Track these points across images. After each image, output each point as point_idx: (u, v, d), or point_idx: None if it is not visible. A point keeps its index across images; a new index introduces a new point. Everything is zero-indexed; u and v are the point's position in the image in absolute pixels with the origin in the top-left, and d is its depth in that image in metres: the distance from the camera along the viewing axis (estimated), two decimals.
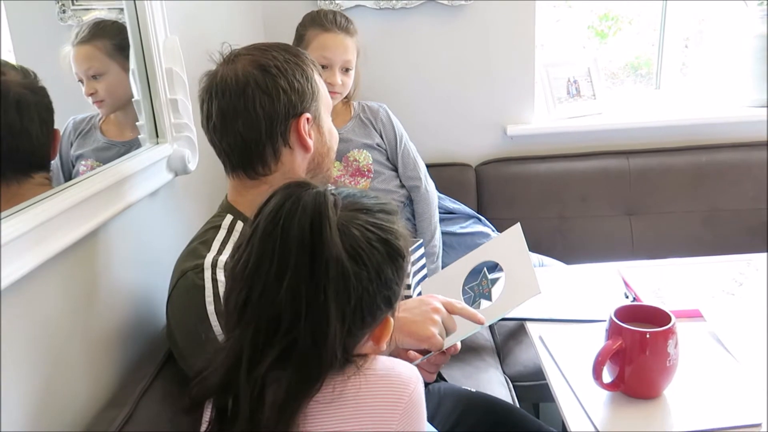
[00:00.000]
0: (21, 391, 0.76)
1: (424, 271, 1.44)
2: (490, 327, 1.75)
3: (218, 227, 0.98)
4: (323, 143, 1.05)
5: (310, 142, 1.01)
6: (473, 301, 1.13)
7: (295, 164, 1.01)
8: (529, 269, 1.05)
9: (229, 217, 0.99)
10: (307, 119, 0.99)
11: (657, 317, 0.93)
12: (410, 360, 1.06)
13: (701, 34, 2.42)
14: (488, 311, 1.07)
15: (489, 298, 1.11)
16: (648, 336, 0.89)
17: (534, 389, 1.58)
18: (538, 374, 1.52)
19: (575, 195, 2.05)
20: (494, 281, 1.13)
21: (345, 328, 0.65)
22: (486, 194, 2.08)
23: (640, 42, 2.48)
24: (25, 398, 0.77)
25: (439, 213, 1.84)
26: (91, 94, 1.08)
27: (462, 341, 1.06)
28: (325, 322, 0.64)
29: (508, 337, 1.73)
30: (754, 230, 2.01)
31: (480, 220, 1.91)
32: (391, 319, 0.71)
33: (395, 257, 0.68)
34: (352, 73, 1.65)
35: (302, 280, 0.63)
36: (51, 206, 0.83)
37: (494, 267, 1.15)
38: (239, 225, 0.98)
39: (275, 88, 0.96)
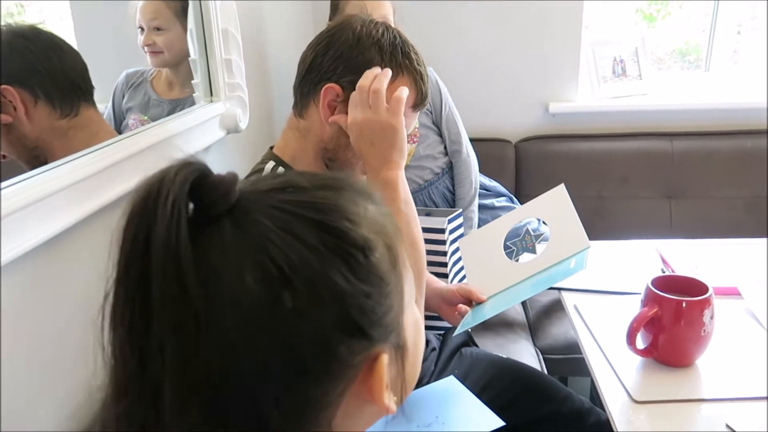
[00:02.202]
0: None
1: None
2: (523, 302, 1.77)
3: (260, 171, 1.01)
4: (338, 142, 0.98)
5: (327, 126, 0.96)
6: (515, 255, 1.15)
7: (313, 128, 0.99)
8: (577, 223, 1.07)
9: (270, 164, 1.02)
10: (337, 93, 0.94)
11: (693, 288, 0.94)
12: (461, 313, 1.10)
13: (754, 20, 2.35)
14: (533, 263, 1.09)
15: (533, 251, 1.14)
16: (684, 305, 0.90)
17: (564, 362, 1.60)
18: (569, 348, 1.55)
19: (615, 175, 2.04)
20: (538, 236, 1.15)
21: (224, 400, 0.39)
22: (524, 171, 2.08)
23: (690, 27, 2.43)
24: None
25: None
26: (148, 45, 1.13)
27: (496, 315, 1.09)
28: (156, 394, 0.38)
29: (540, 311, 1.75)
30: None
31: (512, 200, 1.92)
32: (385, 357, 0.44)
33: (344, 250, 0.41)
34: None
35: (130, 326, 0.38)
36: (109, 155, 0.86)
37: (537, 225, 1.16)
38: (280, 170, 1.02)
39: (340, 58, 0.95)
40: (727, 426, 0.81)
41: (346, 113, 0.93)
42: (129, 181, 0.90)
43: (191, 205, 0.39)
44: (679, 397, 0.88)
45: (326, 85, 0.94)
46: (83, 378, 0.42)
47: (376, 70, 0.92)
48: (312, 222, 0.41)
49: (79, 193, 0.78)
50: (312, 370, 0.40)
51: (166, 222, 0.37)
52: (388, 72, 0.93)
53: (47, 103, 0.83)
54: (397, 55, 0.95)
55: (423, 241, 0.95)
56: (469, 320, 1.06)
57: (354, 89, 0.92)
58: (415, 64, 0.97)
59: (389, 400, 0.45)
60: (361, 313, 0.41)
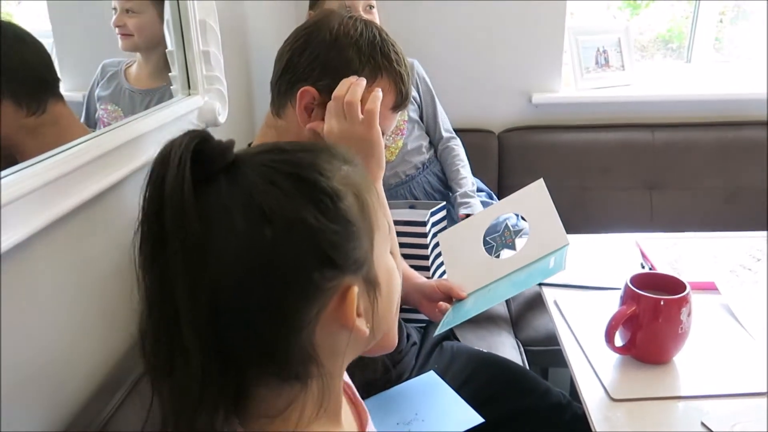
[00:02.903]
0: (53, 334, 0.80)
1: None
2: None
3: None
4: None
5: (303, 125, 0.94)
6: (495, 251, 1.15)
7: (291, 129, 0.97)
8: (556, 220, 1.07)
9: None
10: (314, 97, 0.92)
11: (672, 286, 0.95)
12: (441, 311, 1.10)
13: (738, 8, 2.36)
14: (512, 260, 1.09)
15: (513, 247, 1.14)
16: (662, 303, 0.91)
17: (544, 354, 1.61)
18: (549, 340, 1.56)
19: (597, 166, 2.05)
20: (517, 232, 1.15)
21: (235, 318, 0.49)
22: (507, 161, 2.08)
23: (673, 14, 2.43)
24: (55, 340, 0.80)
25: None
26: (119, 26, 1.10)
27: None
28: (173, 310, 0.48)
29: (522, 303, 1.76)
30: None
31: (491, 195, 1.92)
32: (356, 288, 0.52)
33: (315, 196, 0.50)
34: (375, 12, 1.65)
35: (146, 257, 0.49)
36: (82, 153, 0.83)
37: (516, 220, 1.16)
38: None
39: (318, 59, 0.92)
40: (703, 424, 0.82)
41: (323, 117, 0.91)
42: (107, 178, 0.88)
43: (196, 164, 0.49)
44: (656, 395, 0.89)
45: (302, 89, 0.92)
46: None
47: (352, 78, 0.90)
48: (290, 174, 0.51)
49: (53, 192, 0.76)
50: (291, 291, 0.49)
51: (174, 171, 0.47)
52: (363, 81, 0.90)
53: (13, 101, 0.79)
54: (376, 55, 0.92)
55: (399, 252, 0.95)
56: (450, 319, 1.06)
57: (331, 92, 0.90)
58: (395, 64, 0.94)
59: (362, 324, 0.53)
60: (331, 247, 0.50)
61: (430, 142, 1.84)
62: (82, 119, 1.08)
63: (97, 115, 1.12)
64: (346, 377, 0.72)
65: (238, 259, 0.48)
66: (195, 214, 0.47)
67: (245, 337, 0.49)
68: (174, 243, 0.47)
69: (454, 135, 1.85)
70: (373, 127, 0.89)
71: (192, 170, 0.47)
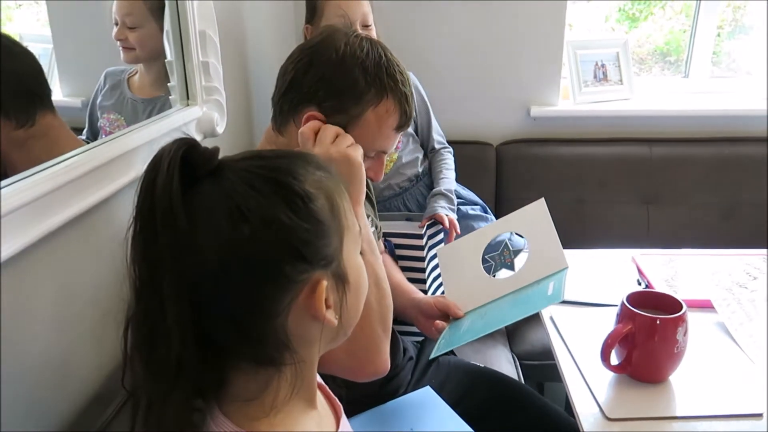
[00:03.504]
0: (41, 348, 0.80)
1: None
2: None
3: None
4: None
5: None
6: (493, 270, 1.15)
7: (292, 147, 0.96)
8: (556, 242, 1.07)
9: None
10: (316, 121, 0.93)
11: (668, 305, 0.95)
12: (438, 330, 1.09)
13: (736, 23, 2.38)
14: (511, 280, 1.09)
15: (511, 267, 1.13)
16: (658, 322, 0.91)
17: (540, 368, 1.61)
18: (545, 354, 1.55)
19: (594, 180, 2.05)
20: (517, 252, 1.15)
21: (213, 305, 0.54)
22: (505, 174, 2.08)
23: (672, 28, 2.45)
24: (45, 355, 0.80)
25: None
26: (120, 39, 1.11)
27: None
28: (159, 299, 0.53)
29: None
30: None
31: (486, 209, 1.92)
32: (325, 281, 0.57)
33: (288, 197, 0.55)
34: (373, 29, 1.65)
35: (136, 252, 0.54)
36: (82, 163, 0.83)
37: (517, 239, 1.15)
38: None
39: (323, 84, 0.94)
40: None
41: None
42: (107, 187, 0.88)
43: (184, 168, 0.54)
44: (652, 415, 0.89)
45: (308, 113, 0.92)
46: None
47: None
48: (267, 178, 0.56)
49: (48, 204, 0.75)
50: (265, 282, 0.55)
51: (164, 175, 0.52)
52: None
53: (1, 114, 0.78)
54: (382, 76, 0.93)
55: (386, 279, 0.93)
56: (446, 342, 1.05)
57: (335, 112, 0.91)
58: (400, 85, 0.94)
59: (331, 315, 0.58)
60: (302, 243, 0.55)
61: (425, 155, 1.84)
62: (85, 128, 1.08)
63: (99, 124, 1.12)
64: (320, 380, 0.74)
65: (219, 252, 0.53)
66: (182, 214, 0.52)
67: (224, 322, 0.55)
68: (163, 238, 0.52)
69: (446, 145, 1.85)
70: (331, 147, 0.89)
71: (180, 174, 0.53)
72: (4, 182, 0.71)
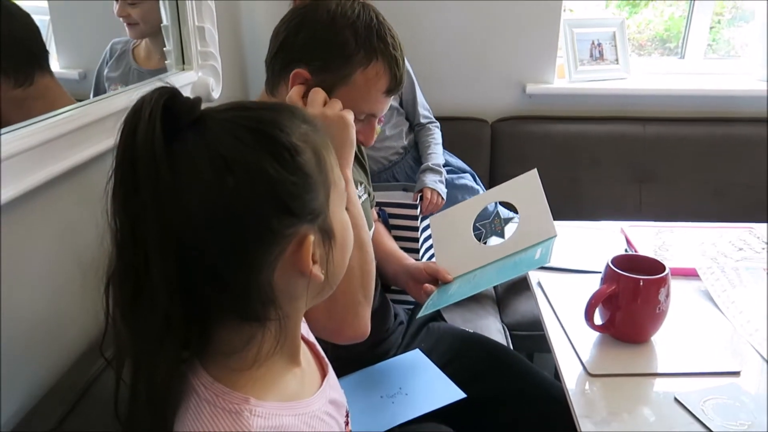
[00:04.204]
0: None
1: None
2: None
3: None
4: None
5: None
6: (484, 238, 1.17)
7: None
8: (546, 211, 1.09)
9: None
10: (306, 78, 0.93)
11: (652, 268, 0.97)
12: (427, 293, 1.11)
13: (736, 9, 2.38)
14: (500, 247, 1.11)
15: (501, 235, 1.15)
16: (641, 283, 0.93)
17: (530, 339, 1.64)
18: (535, 325, 1.57)
19: (588, 158, 2.07)
20: (507, 220, 1.17)
21: (200, 260, 0.52)
22: (499, 151, 2.10)
23: (672, 14, 2.45)
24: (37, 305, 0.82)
25: None
26: (123, 16, 1.11)
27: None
28: (144, 252, 0.51)
29: (509, 288, 1.78)
30: (765, 205, 2.02)
31: (475, 177, 1.94)
32: (312, 236, 0.56)
33: (275, 149, 0.54)
34: None
35: (118, 205, 0.52)
36: (78, 116, 0.85)
37: (507, 208, 1.17)
38: None
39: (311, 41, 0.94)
40: (676, 400, 0.85)
41: None
42: (93, 147, 0.89)
43: (166, 118, 0.51)
44: (632, 371, 0.91)
45: (295, 71, 0.93)
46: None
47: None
48: (252, 129, 0.54)
49: (55, 147, 0.77)
50: (251, 235, 0.53)
51: (145, 124, 0.50)
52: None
53: (1, 73, 0.80)
54: (372, 38, 0.93)
55: (371, 244, 0.93)
56: (434, 302, 1.07)
57: (324, 72, 0.92)
58: (391, 48, 0.94)
59: (317, 270, 0.57)
60: (289, 196, 0.54)
61: (410, 128, 1.86)
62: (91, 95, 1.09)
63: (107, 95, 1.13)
64: (311, 337, 0.75)
65: (204, 204, 0.51)
66: (165, 164, 0.50)
67: (209, 277, 0.53)
68: (146, 190, 0.50)
69: (432, 119, 1.87)
70: (322, 107, 0.90)
71: (162, 123, 0.50)
72: (4, 129, 0.72)
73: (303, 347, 0.67)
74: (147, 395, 0.52)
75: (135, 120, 0.51)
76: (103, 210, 0.52)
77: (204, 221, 0.51)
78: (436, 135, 1.84)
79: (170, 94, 0.52)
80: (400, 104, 1.83)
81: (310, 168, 0.56)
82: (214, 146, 0.52)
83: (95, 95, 1.09)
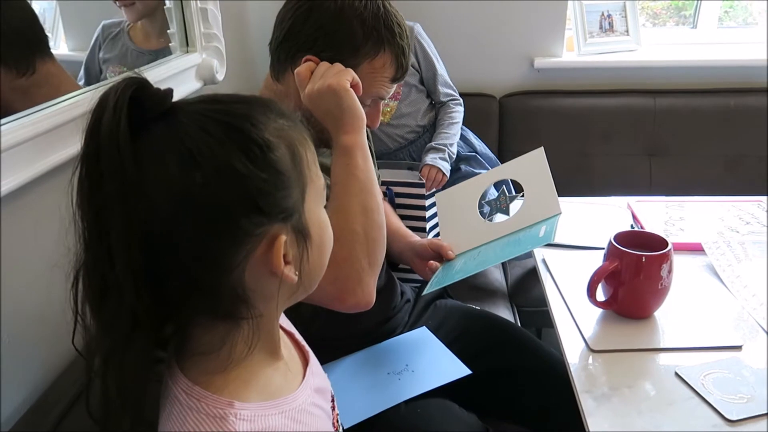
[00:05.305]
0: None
1: None
2: None
3: None
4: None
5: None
6: (489, 215, 1.17)
7: (290, 94, 0.97)
8: (551, 189, 1.09)
9: None
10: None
11: (655, 243, 0.97)
12: (431, 269, 1.12)
13: None
14: (504, 224, 1.11)
15: (506, 212, 1.16)
16: (644, 259, 0.93)
17: (538, 315, 1.65)
18: (543, 301, 1.58)
19: (598, 132, 2.05)
20: (513, 198, 1.18)
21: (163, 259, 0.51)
22: (508, 126, 2.09)
23: None
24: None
25: None
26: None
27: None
28: (107, 253, 0.50)
29: (516, 264, 1.79)
30: None
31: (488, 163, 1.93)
32: (283, 236, 0.54)
33: (245, 144, 0.52)
34: None
35: (83, 199, 0.51)
36: (81, 103, 0.85)
37: (513, 186, 1.18)
38: None
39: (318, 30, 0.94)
40: (676, 374, 0.85)
41: None
42: None
43: (134, 110, 0.50)
44: (634, 347, 0.92)
45: (306, 57, 0.93)
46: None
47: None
48: (222, 123, 0.52)
49: (44, 144, 0.78)
50: (219, 234, 0.51)
51: (110, 116, 0.48)
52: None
53: (2, 64, 0.80)
54: (379, 28, 0.93)
55: (380, 212, 0.91)
56: (439, 279, 1.08)
57: (332, 63, 0.92)
58: (398, 38, 0.95)
59: (290, 271, 0.55)
60: (258, 194, 0.52)
61: (431, 105, 1.84)
62: (82, 82, 1.09)
63: (102, 76, 1.13)
64: (291, 327, 0.74)
65: (170, 200, 0.50)
66: (130, 158, 0.49)
67: (177, 274, 0.52)
68: (110, 184, 0.49)
69: (455, 97, 1.85)
70: (329, 78, 0.89)
71: (128, 115, 0.49)
72: (5, 119, 0.74)
73: (283, 337, 0.66)
74: (117, 392, 0.51)
75: (100, 111, 0.49)
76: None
77: (169, 217, 0.50)
78: (454, 114, 1.82)
79: (138, 84, 0.51)
80: (421, 81, 1.82)
81: (283, 165, 0.54)
82: (182, 139, 0.50)
83: (87, 79, 1.10)
